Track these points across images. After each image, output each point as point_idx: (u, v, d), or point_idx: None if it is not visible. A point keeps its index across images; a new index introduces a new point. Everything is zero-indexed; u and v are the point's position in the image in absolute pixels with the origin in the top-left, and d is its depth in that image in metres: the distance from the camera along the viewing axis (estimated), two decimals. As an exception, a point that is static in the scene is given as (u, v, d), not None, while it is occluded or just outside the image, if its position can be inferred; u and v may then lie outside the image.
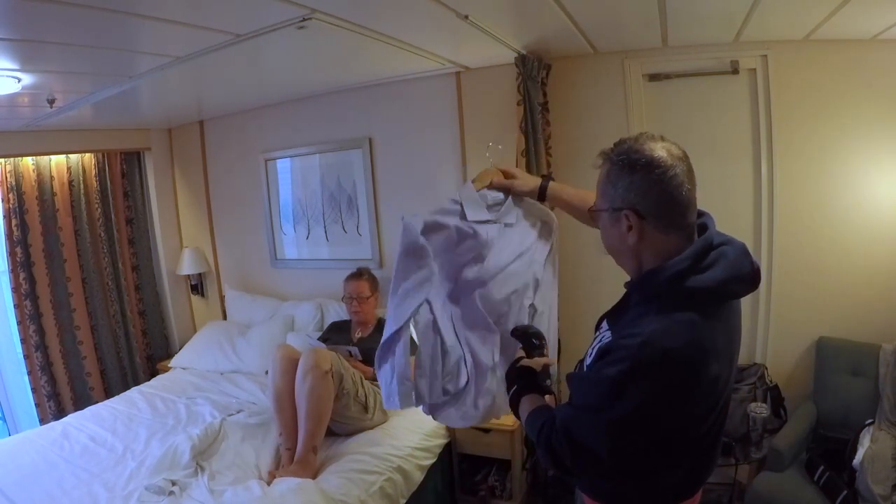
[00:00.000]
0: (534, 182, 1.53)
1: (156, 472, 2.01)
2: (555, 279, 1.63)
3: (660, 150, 0.95)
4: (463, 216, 1.53)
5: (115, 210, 3.56)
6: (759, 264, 1.01)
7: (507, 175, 1.55)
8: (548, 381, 1.32)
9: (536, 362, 1.33)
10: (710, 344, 0.94)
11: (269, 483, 1.97)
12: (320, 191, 3.27)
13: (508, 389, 1.30)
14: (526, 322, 1.55)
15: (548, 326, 1.61)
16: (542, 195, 1.52)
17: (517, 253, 1.57)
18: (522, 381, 1.28)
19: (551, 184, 1.51)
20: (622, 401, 0.93)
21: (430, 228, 1.52)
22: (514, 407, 1.26)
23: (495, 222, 1.54)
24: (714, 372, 0.97)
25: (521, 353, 1.39)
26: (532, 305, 1.59)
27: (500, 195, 1.55)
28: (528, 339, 1.40)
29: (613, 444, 0.97)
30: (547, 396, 1.27)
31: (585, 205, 1.40)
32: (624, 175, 0.97)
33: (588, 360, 1.09)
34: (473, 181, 1.56)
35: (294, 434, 2.13)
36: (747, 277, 0.99)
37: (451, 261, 1.57)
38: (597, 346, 1.06)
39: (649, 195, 0.96)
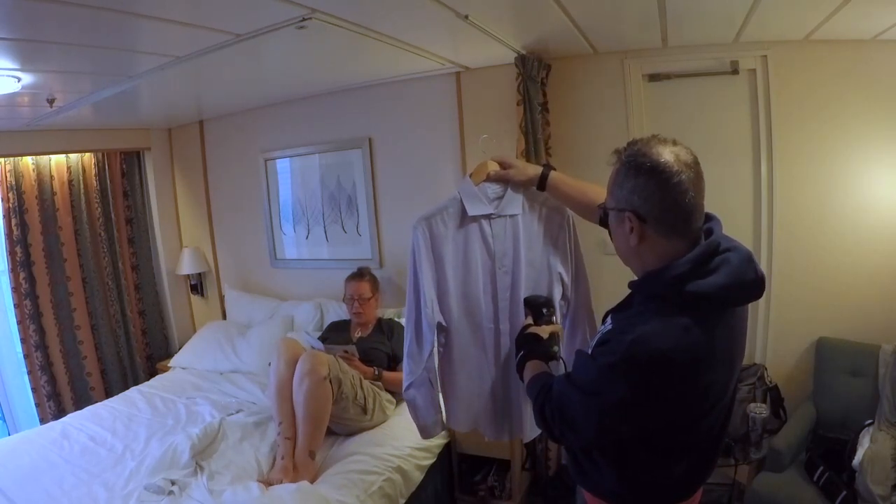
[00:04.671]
0: (532, 171, 1.51)
1: (155, 472, 2.01)
2: (571, 267, 1.59)
3: (667, 155, 0.94)
4: (464, 212, 1.53)
5: (115, 210, 3.57)
6: (764, 272, 1.00)
7: (504, 165, 1.53)
8: (555, 348, 1.38)
9: (543, 330, 1.39)
10: (703, 350, 0.94)
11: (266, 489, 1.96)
12: (320, 191, 3.27)
13: (516, 354, 1.37)
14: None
15: (574, 315, 1.62)
16: (542, 185, 1.50)
17: (527, 243, 1.55)
18: (528, 346, 1.34)
19: (552, 174, 1.49)
20: (608, 391, 0.96)
21: (432, 231, 1.54)
22: (520, 371, 1.33)
23: (498, 216, 1.53)
24: (706, 378, 0.98)
25: (530, 320, 1.44)
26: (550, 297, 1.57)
27: (499, 187, 1.53)
28: (538, 307, 1.46)
29: (599, 427, 1.02)
30: (552, 362, 1.34)
31: (585, 198, 1.42)
32: (630, 177, 0.98)
33: (591, 345, 1.10)
34: (471, 175, 1.55)
35: (293, 424, 2.13)
36: (750, 285, 0.98)
37: (458, 258, 1.57)
38: (599, 334, 1.08)
39: (651, 200, 0.96)
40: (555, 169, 1.52)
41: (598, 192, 1.35)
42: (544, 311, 1.44)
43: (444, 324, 1.60)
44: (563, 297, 1.59)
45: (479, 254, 1.55)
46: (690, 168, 0.95)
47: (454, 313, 1.59)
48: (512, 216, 1.53)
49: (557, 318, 1.53)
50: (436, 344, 1.62)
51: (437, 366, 1.67)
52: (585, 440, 1.09)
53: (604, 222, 1.16)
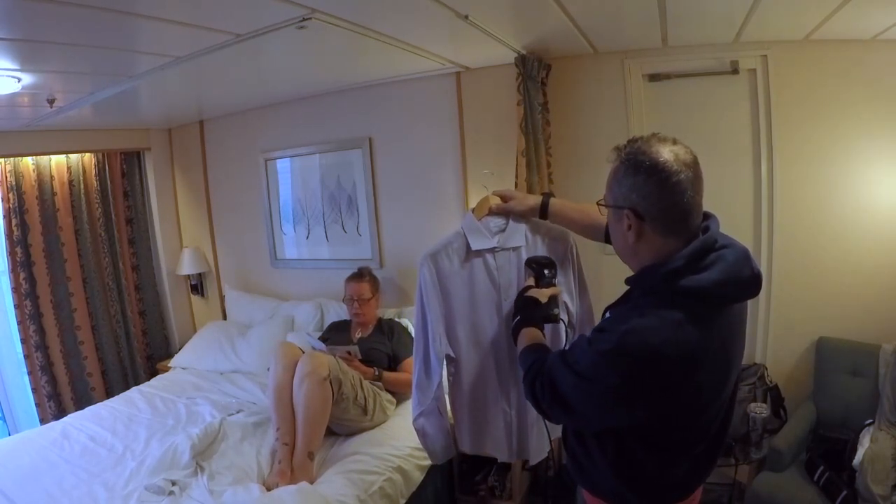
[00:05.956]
0: (532, 201, 1.53)
1: (155, 472, 2.01)
2: (575, 295, 1.60)
3: (666, 154, 0.95)
4: (468, 246, 1.56)
5: (115, 210, 3.57)
6: (760, 269, 1.00)
7: (505, 198, 1.56)
8: (555, 310, 1.36)
9: (543, 293, 1.37)
10: (696, 347, 0.94)
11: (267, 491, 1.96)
12: (320, 191, 3.27)
13: (513, 319, 1.35)
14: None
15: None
16: (543, 213, 1.52)
17: None
18: (526, 312, 1.33)
19: (552, 200, 1.51)
20: (600, 377, 0.98)
21: (438, 267, 1.57)
22: (515, 337, 1.32)
23: (501, 249, 1.55)
24: (700, 375, 0.98)
25: (531, 281, 1.42)
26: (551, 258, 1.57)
27: (501, 220, 1.56)
28: (540, 268, 1.43)
29: (588, 409, 1.03)
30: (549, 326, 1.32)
31: (588, 219, 1.43)
32: (629, 175, 0.98)
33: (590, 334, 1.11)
34: (473, 211, 1.58)
35: (292, 429, 2.13)
36: (746, 282, 0.98)
37: (465, 292, 1.59)
38: (598, 325, 1.09)
39: (649, 198, 0.96)
40: (553, 196, 1.55)
41: (598, 210, 1.36)
42: (546, 272, 1.42)
43: (452, 355, 1.63)
44: (569, 324, 1.59)
45: (485, 287, 1.58)
46: (689, 167, 0.95)
47: (463, 345, 1.63)
48: (515, 248, 1.55)
49: (564, 319, 1.53)
50: (444, 374, 1.65)
51: (446, 394, 1.70)
52: (574, 421, 1.11)
53: (608, 238, 1.16)
